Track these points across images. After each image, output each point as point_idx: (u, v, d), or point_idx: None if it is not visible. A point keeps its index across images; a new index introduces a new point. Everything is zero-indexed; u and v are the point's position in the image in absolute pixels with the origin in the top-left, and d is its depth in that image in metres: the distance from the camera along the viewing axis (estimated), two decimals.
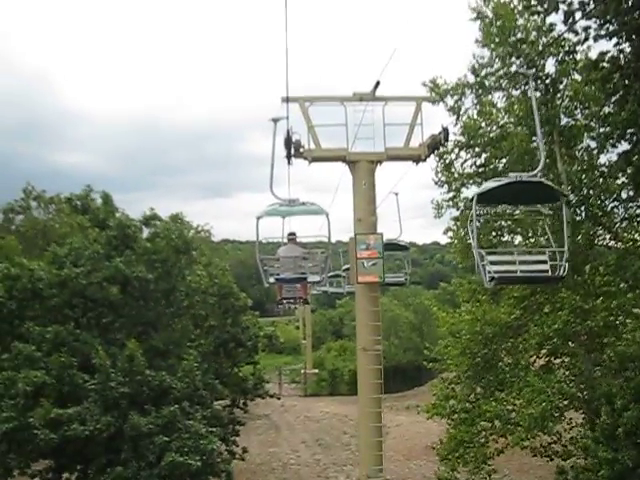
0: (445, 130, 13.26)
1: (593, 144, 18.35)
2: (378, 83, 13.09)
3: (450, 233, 21.24)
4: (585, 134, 18.36)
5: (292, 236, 14.69)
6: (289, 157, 13.15)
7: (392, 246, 21.73)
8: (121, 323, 20.61)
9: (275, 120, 12.76)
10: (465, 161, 19.94)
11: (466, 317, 19.44)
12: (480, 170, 19.87)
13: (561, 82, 18.17)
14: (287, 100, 12.90)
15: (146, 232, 22.42)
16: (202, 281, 23.10)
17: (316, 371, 52.13)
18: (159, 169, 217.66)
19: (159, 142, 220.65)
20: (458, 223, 20.65)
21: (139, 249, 20.69)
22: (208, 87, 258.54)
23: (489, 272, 11.42)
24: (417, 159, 13.73)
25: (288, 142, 12.97)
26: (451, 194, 20.35)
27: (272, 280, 13.17)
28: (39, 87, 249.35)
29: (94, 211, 21.16)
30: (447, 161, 20.09)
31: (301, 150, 13.23)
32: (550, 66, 17.87)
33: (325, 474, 28.72)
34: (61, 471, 18.30)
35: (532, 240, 20.09)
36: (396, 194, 18.61)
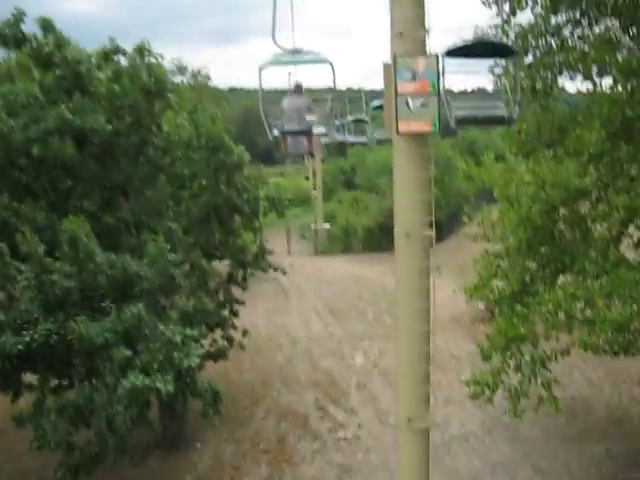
0: None
1: None
2: None
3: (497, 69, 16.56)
4: None
5: (298, 87, 12.82)
6: None
7: (483, 48, 12.68)
8: (82, 189, 16.21)
9: None
10: None
11: (526, 178, 14.76)
12: None
13: None
14: None
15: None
16: (183, 132, 18.22)
17: (328, 226, 48.26)
18: (166, 16, 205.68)
19: None
20: None
21: (97, 93, 15.78)
22: None
23: None
24: None
25: None
26: (499, 20, 15.50)
27: (276, 133, 11.53)
28: None
29: (33, 44, 15.73)
30: None
31: None
32: None
33: (340, 351, 25.35)
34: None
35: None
36: None
